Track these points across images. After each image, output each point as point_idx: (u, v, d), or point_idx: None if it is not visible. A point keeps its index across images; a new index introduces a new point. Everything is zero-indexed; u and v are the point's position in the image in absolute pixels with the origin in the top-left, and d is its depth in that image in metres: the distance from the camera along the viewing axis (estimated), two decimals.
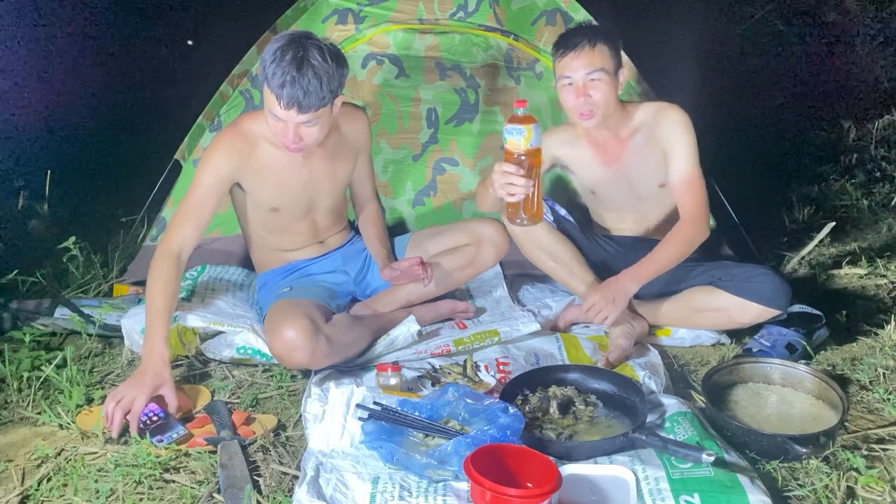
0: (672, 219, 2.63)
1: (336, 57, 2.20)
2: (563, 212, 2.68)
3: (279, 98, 2.14)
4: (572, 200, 2.88)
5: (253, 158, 2.34)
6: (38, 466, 1.94)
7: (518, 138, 2.06)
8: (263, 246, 2.55)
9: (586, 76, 2.37)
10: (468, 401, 1.98)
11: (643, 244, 2.64)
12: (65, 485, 1.86)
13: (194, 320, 2.41)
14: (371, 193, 2.72)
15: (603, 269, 2.62)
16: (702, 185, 2.46)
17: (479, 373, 2.32)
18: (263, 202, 2.41)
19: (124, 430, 2.01)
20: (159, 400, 2.11)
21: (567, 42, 2.41)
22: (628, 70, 2.63)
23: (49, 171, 3.46)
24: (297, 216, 2.50)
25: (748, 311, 2.41)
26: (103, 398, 2.21)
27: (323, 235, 2.61)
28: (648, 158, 2.49)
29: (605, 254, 2.67)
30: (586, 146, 2.56)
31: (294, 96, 2.12)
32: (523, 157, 2.09)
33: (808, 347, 2.39)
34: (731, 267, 2.51)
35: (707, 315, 2.49)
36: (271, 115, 2.20)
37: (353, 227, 2.75)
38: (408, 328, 2.42)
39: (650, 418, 2.00)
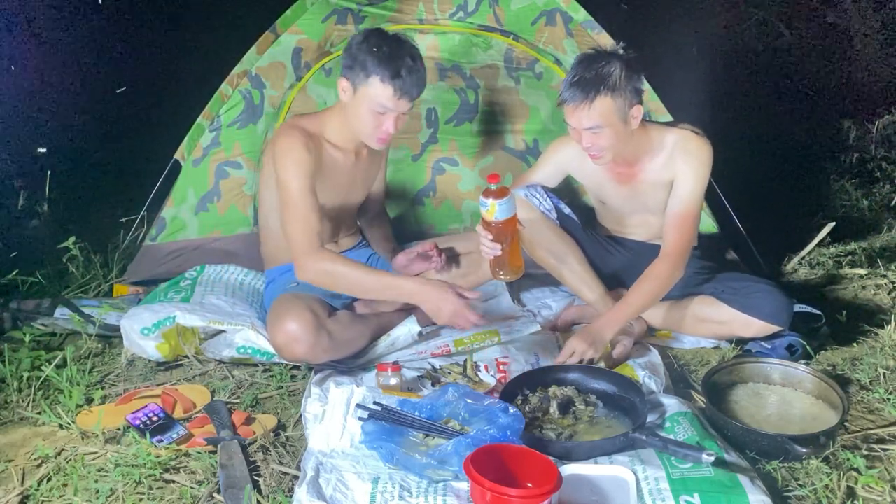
0: None
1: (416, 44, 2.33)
2: (567, 210, 2.68)
3: (395, 87, 2.20)
4: (575, 199, 2.88)
5: (320, 158, 2.36)
6: (38, 466, 1.95)
7: (483, 210, 2.16)
8: (282, 242, 2.54)
9: (585, 129, 2.31)
10: (468, 401, 1.98)
11: (646, 248, 2.64)
12: (65, 485, 1.86)
13: (194, 320, 2.41)
14: (382, 196, 2.76)
15: (605, 269, 2.61)
16: (694, 224, 2.41)
17: (479, 373, 2.32)
18: None
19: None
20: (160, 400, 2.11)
21: (568, 89, 2.28)
22: (647, 95, 2.50)
23: (49, 171, 3.46)
24: (330, 214, 2.51)
25: (750, 326, 2.40)
26: (103, 398, 2.22)
27: (339, 235, 2.63)
28: (661, 182, 2.45)
29: (607, 254, 2.66)
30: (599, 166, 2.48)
31: (412, 84, 2.22)
32: (490, 226, 2.18)
33: (808, 347, 2.39)
34: (733, 280, 2.49)
35: (709, 326, 2.49)
36: (376, 107, 2.24)
37: (361, 232, 2.76)
38: (408, 328, 2.42)
39: (650, 418, 2.00)
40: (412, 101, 2.27)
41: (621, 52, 2.32)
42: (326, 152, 2.38)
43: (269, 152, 2.41)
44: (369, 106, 2.25)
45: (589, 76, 2.26)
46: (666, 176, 2.43)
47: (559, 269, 2.57)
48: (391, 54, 2.21)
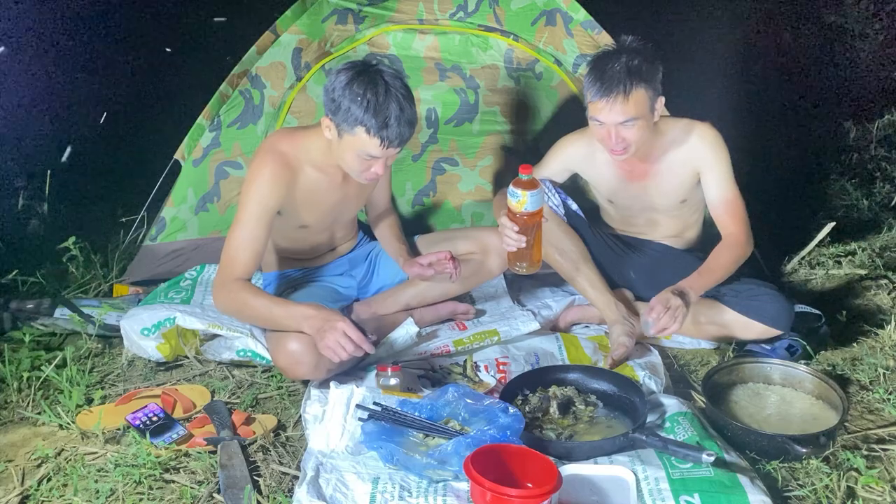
0: (684, 229, 2.63)
1: (403, 77, 2.18)
2: (574, 206, 2.67)
3: (384, 139, 2.09)
4: (578, 198, 2.87)
5: (296, 185, 2.28)
6: (38, 466, 1.95)
7: (514, 201, 2.16)
8: (275, 251, 2.51)
9: (619, 123, 2.28)
10: (468, 401, 1.98)
11: (650, 247, 2.64)
12: (65, 485, 1.86)
13: (194, 322, 2.41)
14: (388, 199, 2.73)
15: (609, 267, 2.61)
16: (742, 205, 2.42)
17: (479, 373, 2.32)
18: (294, 221, 2.37)
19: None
20: (160, 400, 2.11)
21: (600, 85, 2.23)
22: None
23: (49, 171, 3.46)
24: (321, 231, 2.49)
25: (751, 329, 2.40)
26: (103, 398, 2.22)
27: (336, 244, 2.61)
28: (675, 176, 2.45)
29: (612, 253, 2.66)
30: (609, 162, 2.48)
31: (401, 134, 2.10)
32: (517, 217, 2.19)
33: (808, 348, 2.39)
34: (735, 283, 2.48)
35: (709, 328, 2.49)
36: (363, 156, 2.14)
37: (361, 228, 2.75)
38: (406, 330, 2.42)
39: (650, 418, 2.00)
40: (402, 145, 2.16)
41: (636, 45, 2.31)
42: (307, 177, 2.29)
43: None
44: (356, 153, 2.15)
45: (619, 68, 2.23)
46: (680, 168, 2.43)
47: (564, 265, 2.56)
48: (377, 104, 2.07)
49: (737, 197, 2.43)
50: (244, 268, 2.20)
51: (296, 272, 2.55)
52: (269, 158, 2.24)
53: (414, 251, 2.66)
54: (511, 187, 2.15)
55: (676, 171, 2.45)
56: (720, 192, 2.42)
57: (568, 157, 2.58)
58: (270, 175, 2.22)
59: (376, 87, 2.09)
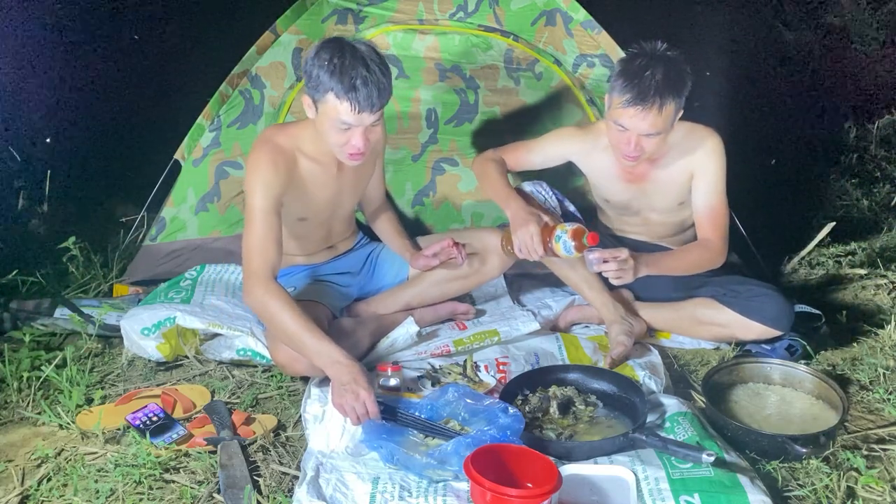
0: (680, 230, 2.63)
1: (377, 49, 2.19)
2: (572, 207, 2.68)
3: (352, 101, 2.07)
4: (577, 199, 2.87)
5: (293, 174, 2.28)
6: (38, 466, 1.95)
7: (563, 252, 2.31)
8: None
9: (644, 134, 2.26)
10: (468, 401, 1.98)
11: (648, 248, 2.64)
12: (65, 485, 1.86)
13: (194, 322, 2.41)
14: (383, 193, 2.73)
15: None
16: (726, 216, 2.44)
17: (479, 373, 2.32)
18: (292, 213, 2.36)
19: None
20: (160, 400, 2.11)
21: (636, 93, 2.19)
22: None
23: (49, 171, 3.46)
24: (319, 224, 2.49)
25: (750, 330, 2.40)
26: (103, 398, 2.22)
27: (334, 241, 2.61)
28: (674, 179, 2.46)
29: None
30: (610, 161, 2.47)
31: (370, 96, 2.08)
32: (550, 252, 2.34)
33: (808, 348, 2.39)
34: (735, 283, 2.48)
35: (709, 328, 2.49)
36: (338, 124, 2.13)
37: (360, 228, 2.75)
38: (406, 329, 2.42)
39: (650, 418, 2.00)
40: (375, 112, 2.12)
41: (673, 54, 2.28)
42: (302, 167, 2.30)
43: None
44: (331, 123, 2.14)
45: (659, 78, 2.20)
46: (679, 170, 2.44)
47: (562, 266, 2.57)
48: (343, 66, 2.06)
49: (722, 206, 2.43)
50: (268, 263, 2.15)
51: (296, 270, 2.55)
52: (266, 148, 2.25)
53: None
54: (570, 240, 2.27)
55: (674, 174, 2.45)
56: (707, 199, 2.43)
57: (566, 150, 2.57)
58: (269, 162, 2.22)
59: (342, 52, 2.09)
